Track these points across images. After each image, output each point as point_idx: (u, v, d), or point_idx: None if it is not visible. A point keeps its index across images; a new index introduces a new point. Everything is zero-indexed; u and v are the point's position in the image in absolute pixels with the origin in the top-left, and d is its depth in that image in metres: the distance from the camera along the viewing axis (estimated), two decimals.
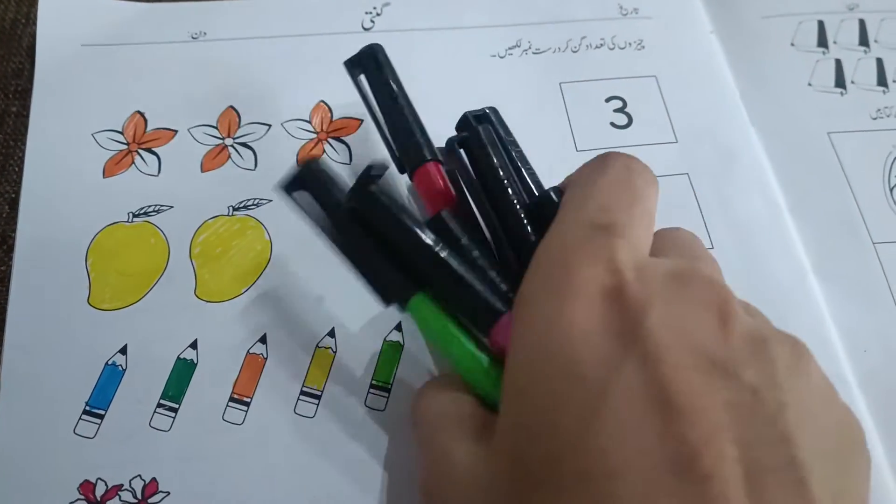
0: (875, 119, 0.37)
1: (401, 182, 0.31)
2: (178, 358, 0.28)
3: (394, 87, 0.29)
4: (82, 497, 0.25)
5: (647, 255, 0.22)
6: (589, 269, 0.20)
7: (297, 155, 0.33)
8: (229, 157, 0.33)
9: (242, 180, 0.32)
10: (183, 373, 0.28)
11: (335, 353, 0.28)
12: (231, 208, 0.32)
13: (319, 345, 0.29)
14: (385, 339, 0.29)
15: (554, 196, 0.25)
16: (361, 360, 0.28)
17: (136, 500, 0.25)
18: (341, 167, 0.33)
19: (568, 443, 0.18)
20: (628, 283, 0.19)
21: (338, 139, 0.34)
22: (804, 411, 0.18)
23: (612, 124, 0.36)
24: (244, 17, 0.37)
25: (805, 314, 0.31)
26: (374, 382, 0.28)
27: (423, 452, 0.23)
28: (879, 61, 0.39)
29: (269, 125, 0.34)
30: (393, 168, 0.29)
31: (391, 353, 0.29)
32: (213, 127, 0.34)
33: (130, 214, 0.31)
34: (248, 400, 0.27)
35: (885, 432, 0.28)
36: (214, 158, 0.33)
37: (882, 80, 0.38)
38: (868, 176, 0.35)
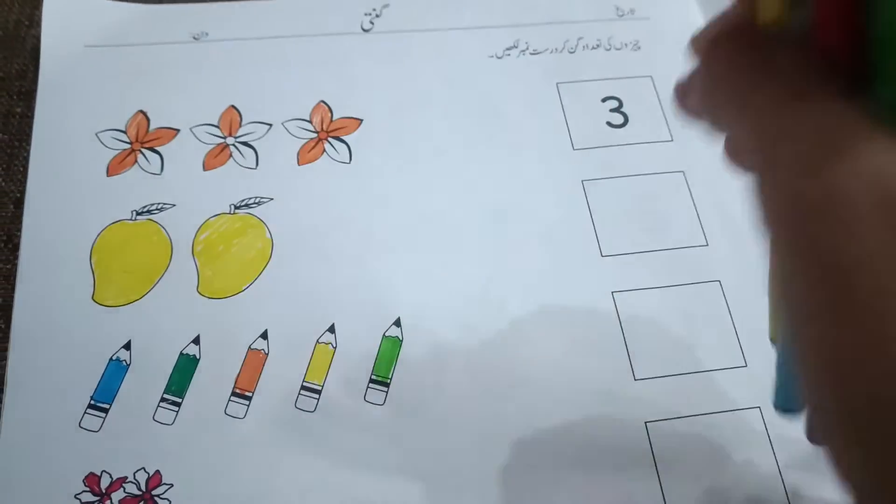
0: None
1: None
2: (181, 353, 0.28)
3: None
4: (88, 489, 0.26)
5: None
6: None
7: (298, 154, 0.34)
8: (231, 155, 0.33)
9: (244, 179, 0.33)
10: (186, 368, 0.28)
11: (335, 348, 0.29)
12: (233, 206, 0.32)
13: (320, 340, 0.29)
14: (384, 334, 0.29)
15: None
16: (361, 356, 0.29)
17: (140, 492, 0.26)
18: (341, 166, 0.34)
19: None
20: None
21: (338, 138, 0.34)
22: None
23: (609, 123, 0.36)
24: (245, 18, 0.38)
25: None
26: (373, 377, 0.28)
27: None
28: None
29: (270, 124, 0.34)
30: None
31: (390, 348, 0.29)
32: (215, 126, 0.34)
33: (134, 212, 0.32)
34: (250, 394, 0.28)
35: None
36: (216, 157, 0.33)
37: None
38: None
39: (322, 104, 0.35)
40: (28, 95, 0.35)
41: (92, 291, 0.30)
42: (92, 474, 0.26)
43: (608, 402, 0.29)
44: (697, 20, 0.40)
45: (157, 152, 0.33)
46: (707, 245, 0.33)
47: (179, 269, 0.30)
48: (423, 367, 0.29)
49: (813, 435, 0.23)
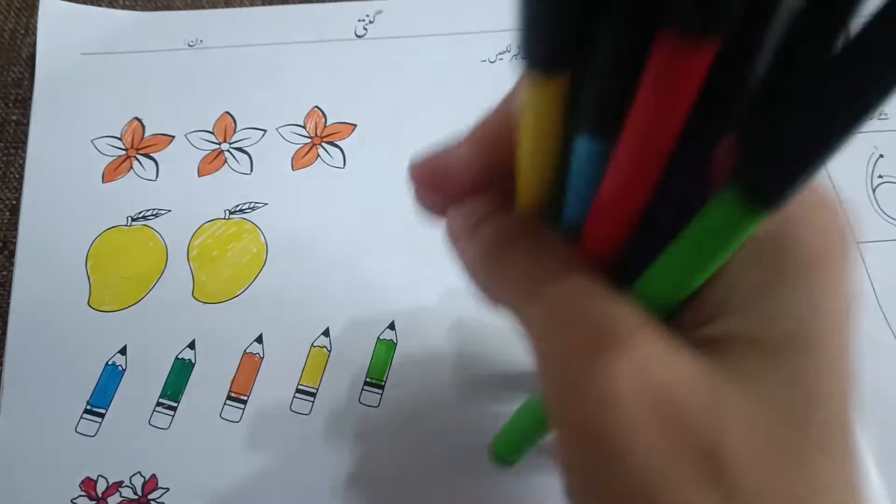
0: None
1: None
2: (177, 358, 0.29)
3: None
4: (84, 493, 0.26)
5: None
6: None
7: (292, 159, 0.34)
8: (225, 161, 0.34)
9: (238, 184, 0.33)
10: (181, 372, 0.28)
11: (330, 351, 0.29)
12: (227, 212, 0.32)
13: (314, 344, 0.29)
14: (378, 337, 0.29)
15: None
16: (355, 359, 0.29)
17: (136, 497, 0.26)
18: (335, 171, 0.34)
19: None
20: None
21: (331, 143, 0.35)
22: None
23: None
24: (239, 25, 0.38)
25: None
26: (367, 380, 0.29)
27: None
28: None
29: (265, 130, 0.35)
30: None
31: (384, 351, 0.29)
32: (210, 132, 0.34)
33: (129, 218, 0.32)
34: (246, 398, 0.28)
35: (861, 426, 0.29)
36: (211, 163, 0.34)
37: None
38: (851, 177, 0.35)
39: (316, 109, 0.35)
40: (24, 103, 0.35)
41: (87, 297, 0.30)
42: (88, 479, 0.26)
43: None
44: None
45: (153, 158, 0.34)
46: None
47: (175, 274, 0.31)
48: (417, 370, 0.29)
49: None
